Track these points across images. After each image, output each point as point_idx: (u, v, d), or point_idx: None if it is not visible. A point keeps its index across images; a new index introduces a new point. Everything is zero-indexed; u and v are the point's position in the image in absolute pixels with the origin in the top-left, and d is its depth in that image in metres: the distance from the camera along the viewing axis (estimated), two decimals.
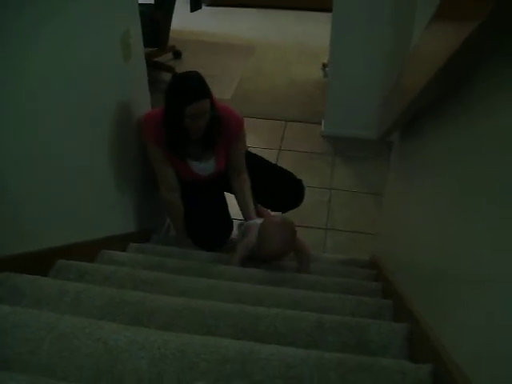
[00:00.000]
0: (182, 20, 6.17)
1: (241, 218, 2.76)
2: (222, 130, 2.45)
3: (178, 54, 5.64)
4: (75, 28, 1.83)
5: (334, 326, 1.46)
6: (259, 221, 2.42)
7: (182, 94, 2.22)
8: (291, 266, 2.33)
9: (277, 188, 2.71)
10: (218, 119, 2.40)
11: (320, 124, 4.44)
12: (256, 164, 2.84)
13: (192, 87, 2.22)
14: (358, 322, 1.48)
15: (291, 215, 3.39)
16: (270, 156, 4.02)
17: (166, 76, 5.11)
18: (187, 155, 2.56)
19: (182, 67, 5.33)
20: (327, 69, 4.44)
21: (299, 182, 2.92)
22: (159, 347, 1.16)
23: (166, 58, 5.50)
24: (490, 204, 0.97)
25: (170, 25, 5.03)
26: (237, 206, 2.75)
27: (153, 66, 4.94)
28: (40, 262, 1.75)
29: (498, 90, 0.98)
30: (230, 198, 2.88)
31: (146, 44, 2.75)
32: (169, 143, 2.43)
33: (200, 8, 5.49)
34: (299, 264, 2.32)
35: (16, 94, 1.52)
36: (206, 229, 2.72)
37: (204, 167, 2.62)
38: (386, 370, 1.14)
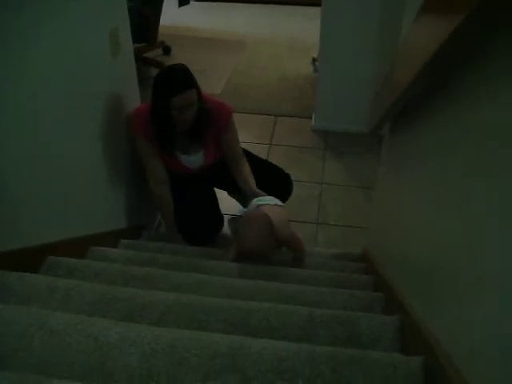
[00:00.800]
0: (172, 15, 6.15)
1: (232, 213, 2.76)
2: (210, 121, 2.46)
3: (167, 50, 5.61)
4: (64, 27, 1.83)
5: (326, 319, 1.46)
6: (260, 201, 2.40)
7: (168, 86, 2.23)
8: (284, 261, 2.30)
9: (265, 182, 2.70)
10: (206, 111, 2.40)
11: (311, 118, 4.43)
12: None
13: (178, 78, 2.22)
14: (349, 316, 1.48)
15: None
16: (260, 151, 4.02)
17: (156, 72, 5.07)
18: (176, 148, 2.55)
19: (172, 63, 5.26)
20: (317, 63, 4.43)
21: (287, 176, 2.92)
22: (149, 342, 1.16)
23: (156, 53, 5.48)
24: (481, 194, 0.97)
25: (159, 20, 5.01)
26: (228, 200, 2.75)
27: (142, 62, 4.92)
28: (30, 259, 1.74)
29: (485, 84, 0.98)
30: (220, 193, 2.88)
31: (135, 39, 2.74)
32: (157, 136, 2.43)
33: (188, 3, 5.48)
34: (293, 260, 2.29)
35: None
36: (196, 224, 2.72)
37: (193, 160, 2.62)
38: (377, 362, 1.14)
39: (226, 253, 2.33)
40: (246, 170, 2.66)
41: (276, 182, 2.88)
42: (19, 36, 1.51)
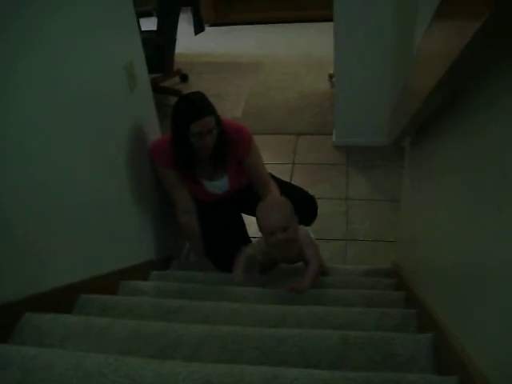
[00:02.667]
0: (186, 43, 6.23)
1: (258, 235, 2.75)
2: (230, 146, 2.47)
3: (184, 78, 5.68)
4: (80, 65, 1.87)
5: (359, 342, 1.45)
6: None
7: (186, 113, 2.26)
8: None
9: None
10: (226, 136, 2.42)
11: (331, 135, 4.44)
12: None
13: (195, 105, 2.26)
14: (382, 336, 1.46)
15: (311, 228, 3.40)
16: (284, 171, 4.04)
17: (174, 100, 5.13)
18: (199, 175, 2.57)
19: (189, 90, 5.30)
20: (333, 79, 4.44)
21: (312, 198, 2.91)
22: (184, 379, 1.16)
23: (173, 82, 5.55)
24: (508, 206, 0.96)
25: (174, 49, 5.07)
26: (255, 224, 2.74)
27: (160, 92, 4.98)
28: (62, 299, 1.76)
29: (506, 94, 0.97)
30: (248, 217, 2.88)
31: (152, 70, 2.78)
32: (178, 164, 2.46)
33: (203, 30, 5.53)
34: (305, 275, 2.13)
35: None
36: (224, 248, 2.72)
37: (218, 185, 2.63)
38: None
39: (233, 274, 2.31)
40: (270, 191, 2.64)
41: (301, 204, 2.87)
42: (32, 81, 1.56)
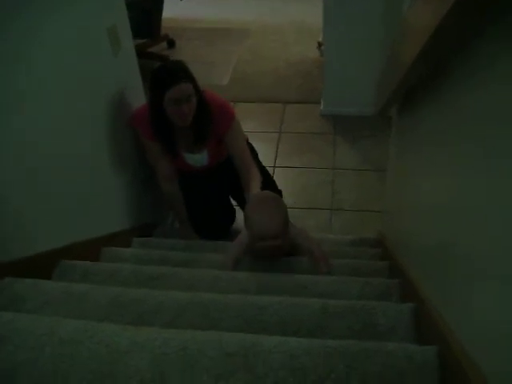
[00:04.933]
0: (174, 8, 6.10)
1: None
2: (212, 119, 2.42)
3: (171, 43, 5.59)
4: (61, 28, 1.83)
5: (340, 311, 1.44)
6: None
7: (162, 79, 2.21)
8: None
9: None
10: (207, 108, 2.37)
11: (319, 104, 4.40)
12: None
13: (170, 71, 2.21)
14: (363, 306, 1.46)
15: (297, 198, 3.39)
16: (270, 139, 4.02)
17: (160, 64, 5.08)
18: (180, 147, 2.53)
19: (177, 56, 5.29)
20: (323, 47, 4.39)
21: (279, 193, 2.85)
22: (160, 346, 1.15)
23: (160, 47, 5.46)
24: (494, 175, 0.94)
25: (161, 14, 4.99)
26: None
27: (147, 57, 4.90)
28: (43, 264, 1.74)
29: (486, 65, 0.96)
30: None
31: (139, 35, 2.73)
32: (158, 135, 2.42)
33: None
34: (316, 267, 1.98)
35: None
36: (208, 217, 2.71)
37: (197, 158, 2.60)
38: (392, 354, 1.12)
39: (226, 259, 2.07)
40: (251, 174, 2.51)
41: None
42: (15, 39, 1.51)
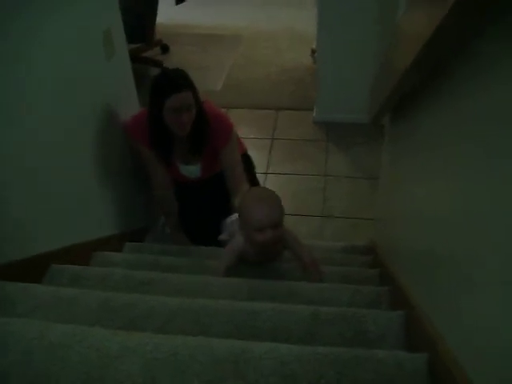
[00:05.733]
0: (168, 14, 6.12)
1: None
2: (210, 132, 2.40)
3: (165, 48, 5.59)
4: (55, 30, 1.82)
5: (330, 318, 1.44)
6: None
7: (163, 86, 2.20)
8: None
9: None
10: (205, 119, 2.36)
11: (312, 110, 4.41)
12: None
13: (172, 79, 2.19)
14: (354, 313, 1.46)
15: (287, 203, 3.39)
16: (263, 146, 4.02)
17: (155, 71, 5.05)
18: (175, 157, 2.53)
19: (170, 61, 5.29)
20: (316, 54, 4.41)
21: None
22: (151, 351, 1.15)
23: (154, 52, 5.46)
24: (484, 182, 0.94)
25: (155, 19, 4.99)
26: None
27: (140, 62, 4.91)
28: (32, 269, 1.74)
29: (479, 72, 0.96)
30: None
31: (133, 40, 2.73)
32: (154, 142, 2.41)
33: (185, 0, 5.45)
34: (306, 274, 1.95)
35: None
36: (200, 228, 2.71)
37: (191, 170, 2.59)
38: (382, 362, 1.13)
39: (218, 266, 2.01)
40: (239, 189, 2.45)
41: None
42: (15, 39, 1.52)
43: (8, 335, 1.21)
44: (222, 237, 2.36)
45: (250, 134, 4.13)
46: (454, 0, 0.83)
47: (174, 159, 2.54)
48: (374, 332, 1.40)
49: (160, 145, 2.43)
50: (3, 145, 1.52)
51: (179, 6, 5.41)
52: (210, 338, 1.23)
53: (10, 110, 1.56)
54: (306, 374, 1.10)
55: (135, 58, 2.71)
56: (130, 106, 2.63)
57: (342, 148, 4.03)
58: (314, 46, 5.00)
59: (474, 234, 0.98)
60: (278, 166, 3.87)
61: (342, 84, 4.05)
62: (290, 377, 1.09)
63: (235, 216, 2.20)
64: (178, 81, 2.19)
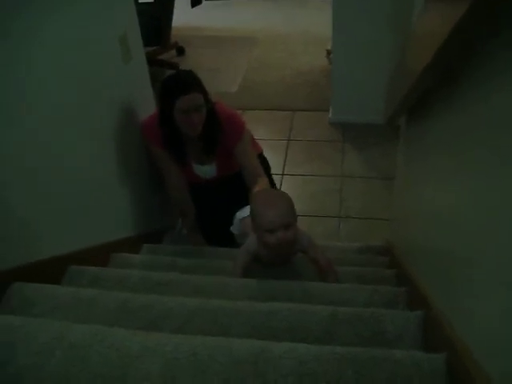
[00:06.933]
0: (183, 16, 6.15)
1: None
2: (222, 130, 2.42)
3: (181, 51, 5.62)
4: (73, 33, 1.84)
5: (348, 318, 1.44)
6: None
7: (172, 89, 2.23)
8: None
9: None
10: (217, 119, 2.38)
11: (327, 111, 4.41)
12: None
13: (181, 81, 2.22)
14: (372, 313, 1.46)
15: (304, 205, 3.40)
16: (279, 147, 4.03)
17: (171, 72, 5.10)
18: (189, 157, 2.55)
19: (186, 63, 5.32)
20: (331, 56, 4.40)
21: None
22: (171, 351, 1.16)
23: (170, 55, 5.50)
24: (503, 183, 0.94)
25: (171, 22, 5.02)
26: None
27: (156, 65, 4.94)
28: (52, 270, 1.76)
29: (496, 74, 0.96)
30: None
31: (149, 43, 2.75)
32: (166, 142, 2.43)
33: (200, 3, 5.47)
34: (322, 276, 1.96)
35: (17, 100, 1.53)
36: (215, 229, 2.72)
37: (206, 170, 2.61)
38: (400, 362, 1.13)
39: (233, 267, 2.00)
40: (258, 183, 2.44)
41: None
42: (22, 40, 1.53)
43: (27, 335, 1.23)
44: (233, 230, 2.40)
45: (266, 136, 4.14)
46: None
47: (189, 160, 2.56)
48: (392, 332, 1.40)
49: (172, 145, 2.45)
50: (9, 145, 1.54)
51: (195, 8, 5.42)
52: (229, 338, 1.24)
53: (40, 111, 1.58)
54: (324, 373, 1.10)
55: (151, 60, 2.73)
56: (147, 108, 2.65)
57: (357, 148, 4.02)
58: (329, 47, 5.00)
59: (492, 234, 0.98)
60: (295, 167, 3.88)
61: (357, 84, 4.04)
62: (308, 376, 1.10)
63: (247, 209, 2.17)
64: (187, 82, 2.21)
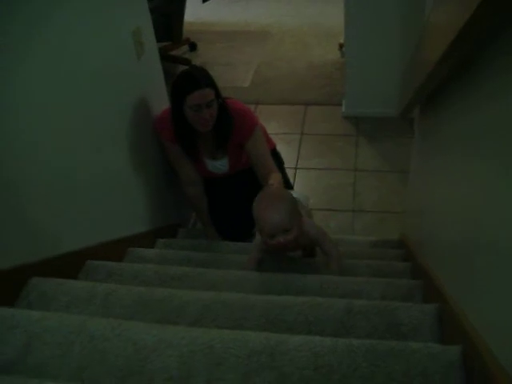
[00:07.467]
0: (195, 11, 6.15)
1: None
2: (233, 125, 2.42)
3: (193, 46, 5.62)
4: (86, 28, 1.85)
5: (364, 310, 1.45)
6: None
7: (183, 85, 2.24)
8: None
9: None
10: (228, 114, 2.39)
11: (341, 105, 4.40)
12: None
13: (191, 77, 2.22)
14: (387, 306, 1.46)
15: (318, 198, 3.40)
16: (292, 141, 4.03)
17: (183, 69, 5.10)
18: (202, 152, 2.56)
19: (199, 59, 5.32)
20: (344, 49, 4.39)
21: None
22: (187, 344, 1.17)
23: (182, 50, 5.50)
24: None
25: (183, 17, 5.01)
26: None
27: (169, 60, 4.94)
28: (69, 265, 1.77)
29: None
30: None
31: (161, 38, 2.75)
32: (179, 139, 2.44)
33: None
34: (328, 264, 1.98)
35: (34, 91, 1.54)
36: (228, 224, 2.72)
37: (218, 165, 2.62)
38: (416, 354, 1.13)
39: (247, 261, 2.04)
40: (270, 178, 2.44)
41: None
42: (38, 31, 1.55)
43: (46, 329, 1.24)
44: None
45: (279, 130, 4.14)
46: None
47: (201, 155, 2.56)
48: (407, 325, 1.40)
49: (184, 140, 2.46)
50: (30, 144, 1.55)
51: (206, 3, 5.42)
52: (245, 331, 1.25)
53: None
54: (340, 365, 1.11)
55: (163, 56, 2.74)
56: (160, 103, 2.66)
57: (371, 142, 4.01)
58: (341, 41, 4.98)
59: (510, 225, 0.97)
60: (308, 161, 3.87)
61: (370, 77, 4.02)
62: (324, 368, 1.10)
63: None
64: (197, 78, 2.21)
